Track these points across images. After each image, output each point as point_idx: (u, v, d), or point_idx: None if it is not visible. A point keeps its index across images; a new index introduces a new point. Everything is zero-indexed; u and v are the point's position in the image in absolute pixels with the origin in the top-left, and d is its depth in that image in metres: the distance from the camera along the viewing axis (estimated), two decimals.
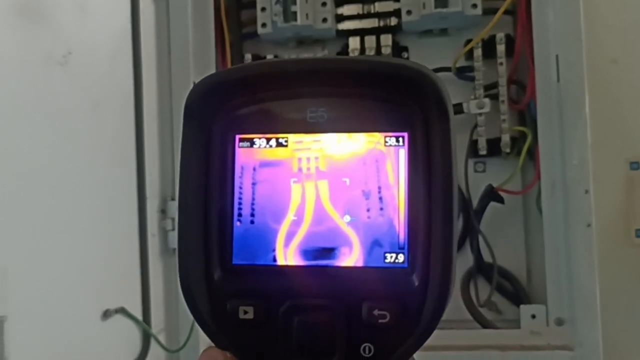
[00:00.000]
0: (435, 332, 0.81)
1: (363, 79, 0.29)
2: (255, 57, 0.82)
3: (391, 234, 0.28)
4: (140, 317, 0.73)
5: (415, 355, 0.28)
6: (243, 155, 0.30)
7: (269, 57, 0.82)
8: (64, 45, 0.68)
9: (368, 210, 0.28)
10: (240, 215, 0.29)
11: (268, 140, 0.30)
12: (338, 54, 0.82)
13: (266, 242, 0.29)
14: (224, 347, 0.28)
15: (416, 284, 0.27)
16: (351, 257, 0.28)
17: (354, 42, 0.80)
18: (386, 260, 0.28)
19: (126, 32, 0.76)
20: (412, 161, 0.28)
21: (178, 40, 0.78)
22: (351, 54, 0.80)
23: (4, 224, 0.62)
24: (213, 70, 0.79)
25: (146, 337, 0.74)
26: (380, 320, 0.27)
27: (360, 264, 0.28)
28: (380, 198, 0.28)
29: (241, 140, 0.30)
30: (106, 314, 0.70)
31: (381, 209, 0.28)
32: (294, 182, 0.29)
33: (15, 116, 0.64)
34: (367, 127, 0.29)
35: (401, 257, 0.28)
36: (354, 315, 0.27)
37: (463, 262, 0.78)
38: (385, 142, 0.29)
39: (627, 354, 0.74)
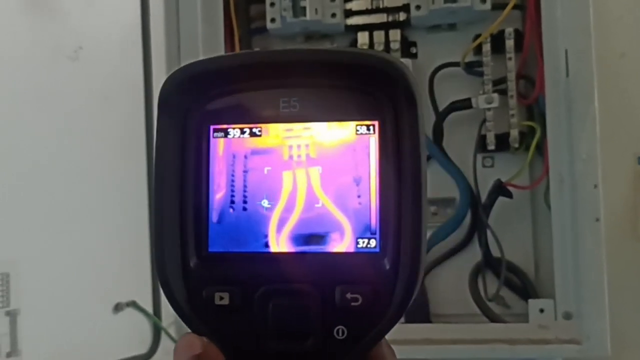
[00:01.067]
0: (444, 326, 0.81)
1: (333, 70, 0.29)
2: None
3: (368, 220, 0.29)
4: (150, 310, 0.74)
5: (386, 337, 0.29)
6: (234, 144, 0.30)
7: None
8: (75, 40, 0.69)
9: (359, 196, 0.29)
10: (232, 202, 0.30)
11: (242, 130, 0.30)
12: None
13: (258, 228, 0.30)
14: (201, 333, 0.29)
15: (387, 267, 0.28)
16: (343, 243, 0.29)
17: (362, 37, 0.81)
18: (359, 245, 0.29)
19: (136, 27, 0.76)
20: (383, 149, 0.29)
21: (187, 34, 0.78)
22: None
23: (15, 218, 0.63)
24: None
25: (157, 330, 0.75)
26: (352, 304, 0.28)
27: (351, 249, 0.29)
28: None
29: (215, 130, 0.30)
30: (117, 308, 0.71)
31: None
32: (285, 169, 0.30)
33: (27, 110, 0.64)
34: (339, 117, 0.30)
35: (373, 242, 0.29)
36: (328, 299, 0.28)
37: (471, 256, 0.79)
38: (357, 130, 0.29)
39: (634, 347, 0.74)
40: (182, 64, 0.30)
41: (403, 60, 0.79)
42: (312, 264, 0.29)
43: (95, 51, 0.71)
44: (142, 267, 0.75)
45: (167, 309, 0.76)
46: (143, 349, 0.74)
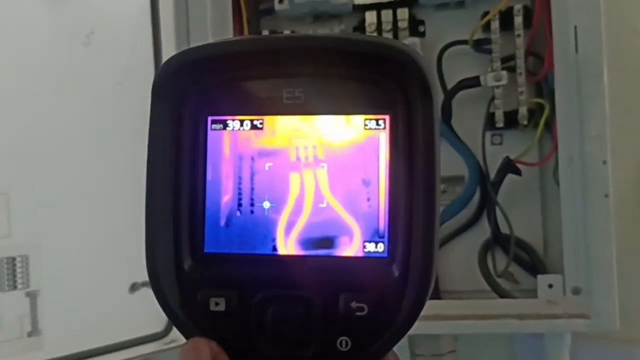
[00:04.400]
0: (454, 302, 0.82)
1: (341, 58, 0.27)
2: (273, 33, 0.82)
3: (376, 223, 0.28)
4: None
5: (394, 349, 0.27)
6: (240, 144, 0.29)
7: (286, 32, 0.82)
8: (87, 25, 0.69)
9: (368, 199, 0.28)
10: (240, 205, 0.29)
11: (242, 122, 0.29)
12: (354, 28, 0.82)
13: (266, 232, 0.28)
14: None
15: (396, 274, 0.26)
16: (352, 247, 0.28)
17: (370, 17, 0.80)
18: (365, 249, 0.27)
19: (146, 12, 0.77)
20: (394, 146, 0.27)
21: (196, 17, 0.79)
22: (367, 29, 0.80)
23: (33, 202, 0.64)
24: None
25: None
26: (357, 313, 0.26)
27: (358, 254, 0.28)
28: None
29: (214, 122, 0.29)
30: (134, 287, 0.73)
31: None
32: (292, 171, 0.28)
33: (46, 95, 0.66)
34: (346, 110, 0.28)
35: (381, 247, 0.27)
36: (331, 307, 0.26)
37: (480, 233, 0.79)
38: (365, 125, 0.28)
39: None
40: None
41: (411, 39, 0.79)
42: (314, 268, 0.28)
43: (107, 36, 0.71)
44: None
45: None
46: (158, 328, 0.76)
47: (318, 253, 0.28)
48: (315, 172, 0.28)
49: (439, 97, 0.28)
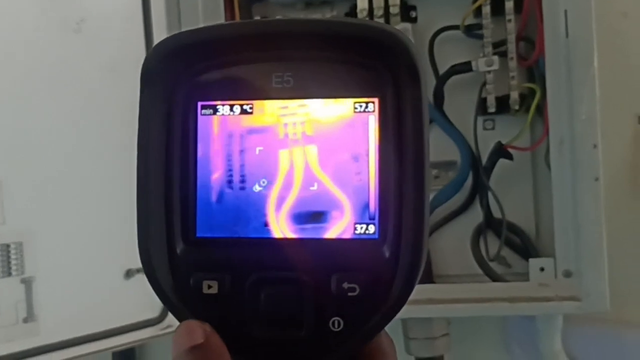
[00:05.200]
0: (447, 286, 0.82)
1: (330, 42, 0.27)
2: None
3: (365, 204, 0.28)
4: None
5: (386, 328, 0.28)
6: (229, 123, 0.29)
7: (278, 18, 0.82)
8: (78, 13, 0.69)
9: (357, 173, 0.28)
10: (230, 182, 0.29)
11: (232, 107, 0.29)
12: (346, 14, 0.82)
13: (257, 207, 0.29)
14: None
15: (387, 255, 0.27)
16: (343, 226, 0.28)
17: (361, 2, 0.80)
18: (357, 231, 0.28)
19: None
20: (383, 128, 0.27)
21: (188, 4, 0.79)
22: (359, 15, 0.80)
23: (28, 189, 0.64)
24: None
25: None
26: (349, 294, 0.27)
27: (349, 235, 0.28)
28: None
29: (203, 107, 0.29)
30: (128, 274, 0.73)
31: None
32: (281, 148, 0.29)
33: (33, 84, 0.66)
34: (336, 93, 0.28)
35: (372, 228, 0.28)
36: (323, 288, 0.27)
37: (473, 218, 0.80)
38: (355, 108, 0.28)
39: (633, 303, 0.76)
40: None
41: (403, 25, 0.79)
42: (306, 250, 0.28)
43: (99, 23, 0.71)
44: None
45: None
46: (154, 314, 0.76)
47: (310, 234, 0.28)
48: (305, 149, 0.28)
49: (427, 80, 0.27)
